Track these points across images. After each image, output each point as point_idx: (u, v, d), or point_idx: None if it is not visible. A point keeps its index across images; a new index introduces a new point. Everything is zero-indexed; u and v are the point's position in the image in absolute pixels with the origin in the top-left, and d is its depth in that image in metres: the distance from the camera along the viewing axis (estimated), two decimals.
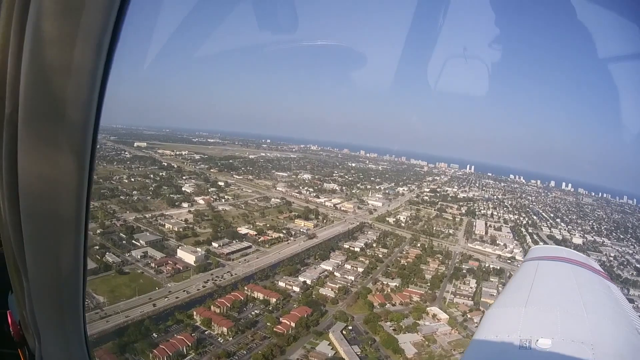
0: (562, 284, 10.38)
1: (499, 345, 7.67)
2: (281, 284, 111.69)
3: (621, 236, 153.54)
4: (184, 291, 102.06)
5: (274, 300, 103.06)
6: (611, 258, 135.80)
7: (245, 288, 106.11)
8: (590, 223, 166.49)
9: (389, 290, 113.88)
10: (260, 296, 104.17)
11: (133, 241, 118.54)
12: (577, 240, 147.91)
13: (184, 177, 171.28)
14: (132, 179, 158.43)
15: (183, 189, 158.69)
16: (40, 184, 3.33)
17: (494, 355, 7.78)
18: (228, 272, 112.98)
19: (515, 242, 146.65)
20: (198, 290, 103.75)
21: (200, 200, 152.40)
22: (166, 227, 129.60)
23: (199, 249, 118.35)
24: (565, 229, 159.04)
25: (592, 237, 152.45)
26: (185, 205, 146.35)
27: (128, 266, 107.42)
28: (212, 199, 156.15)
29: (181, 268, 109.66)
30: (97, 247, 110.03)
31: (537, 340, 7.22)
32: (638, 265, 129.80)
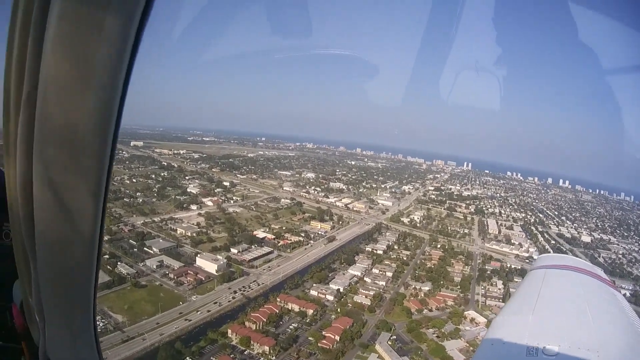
0: (568, 292, 9.54)
1: (507, 352, 7.12)
2: (313, 292, 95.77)
3: (625, 233, 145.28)
4: (215, 302, 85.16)
5: (311, 311, 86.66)
6: (620, 255, 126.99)
7: (278, 299, 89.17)
8: (594, 220, 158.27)
9: (423, 295, 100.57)
10: (296, 307, 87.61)
11: (145, 249, 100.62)
12: (586, 238, 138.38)
13: (187, 178, 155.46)
14: (134, 180, 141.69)
15: (188, 190, 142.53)
16: (56, 169, 2.96)
17: None
18: (254, 281, 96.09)
19: (529, 241, 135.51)
20: (229, 302, 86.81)
21: (208, 201, 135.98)
22: (178, 232, 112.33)
23: (219, 257, 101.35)
24: (572, 227, 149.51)
25: (599, 234, 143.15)
26: (193, 207, 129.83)
27: (144, 278, 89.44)
28: (220, 200, 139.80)
29: (203, 278, 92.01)
30: (107, 257, 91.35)
31: (545, 347, 6.65)
32: None
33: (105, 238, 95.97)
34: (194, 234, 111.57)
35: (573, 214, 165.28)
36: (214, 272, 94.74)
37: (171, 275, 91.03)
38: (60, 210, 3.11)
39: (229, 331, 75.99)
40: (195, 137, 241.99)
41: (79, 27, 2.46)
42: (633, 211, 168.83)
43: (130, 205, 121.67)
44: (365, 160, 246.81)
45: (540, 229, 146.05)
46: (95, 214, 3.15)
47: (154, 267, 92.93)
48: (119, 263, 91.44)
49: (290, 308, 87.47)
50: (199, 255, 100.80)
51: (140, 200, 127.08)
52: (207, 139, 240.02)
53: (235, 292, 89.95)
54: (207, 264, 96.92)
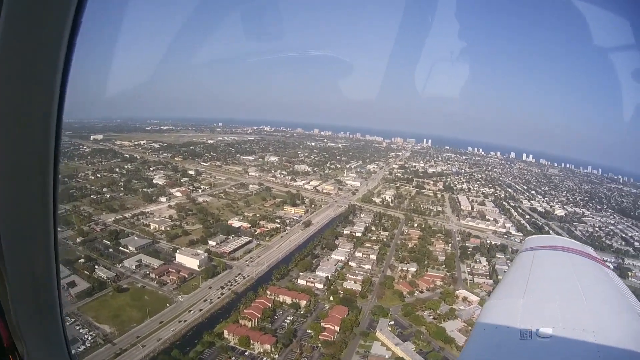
0: (559, 272, 9.70)
1: (500, 337, 7.09)
2: (301, 281, 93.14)
3: (598, 206, 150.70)
4: (205, 300, 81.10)
5: (304, 302, 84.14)
6: (597, 229, 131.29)
7: (268, 292, 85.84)
8: (565, 194, 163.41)
9: (410, 277, 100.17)
10: (288, 299, 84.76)
11: (121, 248, 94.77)
12: (560, 212, 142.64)
13: (151, 169, 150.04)
14: (99, 175, 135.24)
15: (154, 181, 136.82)
16: (7, 185, 3.26)
17: (495, 347, 7.07)
18: (239, 274, 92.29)
19: (504, 216, 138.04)
20: (219, 298, 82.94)
21: (176, 192, 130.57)
22: (151, 227, 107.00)
23: (199, 251, 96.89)
24: (543, 201, 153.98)
25: (572, 208, 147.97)
26: (162, 199, 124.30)
27: (125, 280, 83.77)
28: (188, 190, 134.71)
29: (186, 276, 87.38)
30: (83, 261, 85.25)
31: (538, 330, 6.64)
32: (624, 235, 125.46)
33: (78, 240, 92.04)
34: (168, 228, 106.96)
35: (542, 188, 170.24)
36: (196, 268, 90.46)
37: (152, 275, 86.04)
38: (16, 223, 3.37)
39: (225, 332, 72.23)
40: (153, 126, 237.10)
41: (22, 30, 2.69)
42: (602, 184, 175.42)
43: (99, 202, 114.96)
44: (325, 140, 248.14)
45: (512, 204, 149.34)
46: (46, 221, 3.46)
47: (133, 267, 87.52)
48: (96, 267, 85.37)
49: (282, 300, 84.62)
50: (177, 251, 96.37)
51: (108, 196, 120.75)
52: (165, 128, 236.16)
53: (222, 287, 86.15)
54: (188, 260, 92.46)
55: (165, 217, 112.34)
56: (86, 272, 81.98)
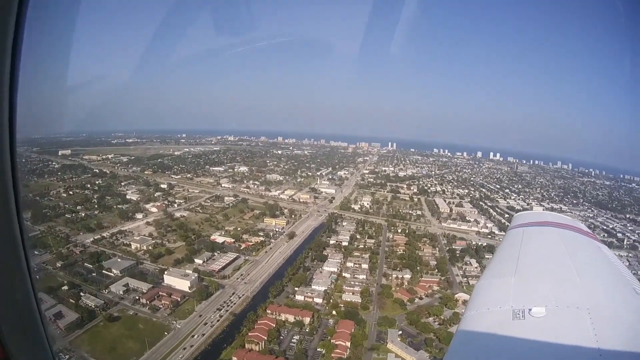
0: (550, 248, 9.58)
1: (492, 318, 6.84)
2: (299, 297, 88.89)
3: (574, 201, 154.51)
4: (205, 323, 75.77)
5: (307, 319, 79.87)
6: None
7: (268, 311, 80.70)
8: (539, 191, 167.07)
9: (407, 284, 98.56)
10: (290, 317, 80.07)
11: (104, 271, 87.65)
12: (537, 209, 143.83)
13: (122, 184, 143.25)
14: (70, 192, 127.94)
15: (127, 196, 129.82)
16: None
17: (488, 328, 6.76)
18: (233, 293, 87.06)
19: (483, 216, 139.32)
20: (218, 320, 77.48)
21: (152, 207, 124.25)
22: (132, 246, 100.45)
23: (188, 271, 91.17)
24: (519, 199, 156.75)
25: (549, 204, 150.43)
26: (139, 216, 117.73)
27: (114, 308, 76.78)
28: (163, 205, 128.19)
29: (179, 299, 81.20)
30: (67, 288, 77.43)
31: (531, 309, 6.45)
32: (605, 227, 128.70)
33: (58, 264, 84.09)
34: (150, 247, 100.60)
35: (515, 186, 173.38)
36: (187, 290, 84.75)
37: (143, 301, 79.36)
38: None
39: (234, 359, 66.86)
40: (119, 139, 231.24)
41: None
42: (574, 179, 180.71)
43: (74, 222, 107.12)
44: (291, 148, 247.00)
45: (489, 204, 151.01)
46: (11, 232, 3.39)
47: (121, 292, 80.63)
48: (81, 294, 77.88)
49: (284, 319, 79.92)
50: (165, 272, 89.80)
51: (83, 214, 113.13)
52: (130, 140, 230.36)
53: (219, 309, 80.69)
54: (178, 281, 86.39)
55: (145, 235, 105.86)
56: (72, 300, 74.73)
